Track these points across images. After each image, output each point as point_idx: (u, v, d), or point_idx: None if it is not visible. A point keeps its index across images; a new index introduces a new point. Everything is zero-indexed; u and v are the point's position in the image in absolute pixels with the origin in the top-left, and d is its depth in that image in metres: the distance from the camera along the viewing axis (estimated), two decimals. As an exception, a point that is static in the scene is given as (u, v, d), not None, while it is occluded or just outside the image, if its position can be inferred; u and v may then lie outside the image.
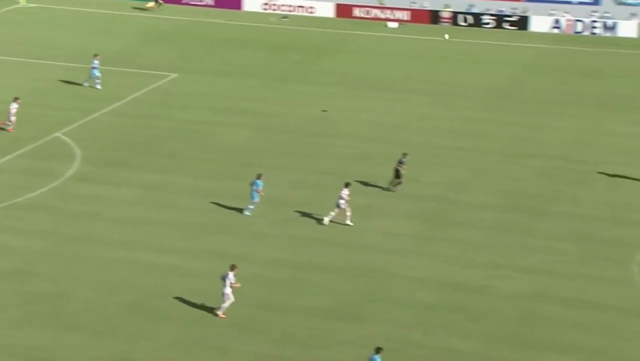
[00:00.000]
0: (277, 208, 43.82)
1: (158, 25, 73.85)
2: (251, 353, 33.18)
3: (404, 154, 45.48)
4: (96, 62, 57.55)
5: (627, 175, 46.65)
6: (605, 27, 69.23)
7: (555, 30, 70.26)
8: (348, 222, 41.84)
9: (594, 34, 69.42)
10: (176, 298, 36.33)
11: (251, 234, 41.38)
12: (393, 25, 73.14)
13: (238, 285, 34.86)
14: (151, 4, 76.67)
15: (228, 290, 34.67)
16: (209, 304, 35.71)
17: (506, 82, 60.70)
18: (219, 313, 34.98)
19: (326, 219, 41.89)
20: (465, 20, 72.15)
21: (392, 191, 44.81)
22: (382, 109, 56.40)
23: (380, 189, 45.54)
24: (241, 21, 75.34)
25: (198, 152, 49.86)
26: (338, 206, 41.86)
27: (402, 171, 45.01)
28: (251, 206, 42.87)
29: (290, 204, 44.21)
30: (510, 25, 71.25)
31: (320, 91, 59.21)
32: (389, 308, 35.79)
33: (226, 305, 34.87)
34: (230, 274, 34.70)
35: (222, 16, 76.26)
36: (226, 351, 33.22)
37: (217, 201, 44.25)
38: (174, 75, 62.10)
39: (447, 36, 66.71)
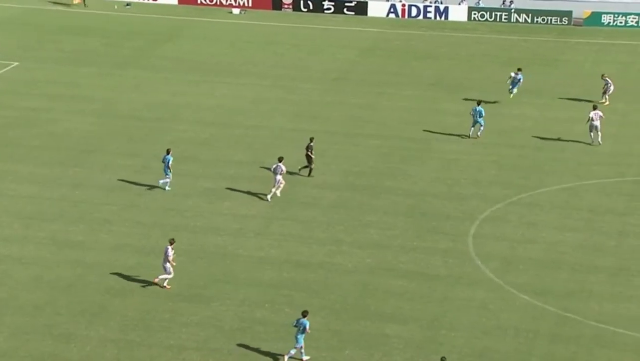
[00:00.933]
0: (119, 193, 43.96)
1: (-6, 14, 72.22)
2: (96, 338, 33.44)
3: (311, 139, 45.85)
4: None
5: (460, 152, 48.79)
6: (438, 12, 71.80)
7: (392, 15, 72.38)
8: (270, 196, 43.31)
9: (427, 18, 71.89)
10: (19, 286, 36.15)
11: (94, 220, 41.42)
12: (236, 11, 73.79)
13: (174, 264, 36.17)
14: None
15: (168, 265, 36.13)
16: (53, 292, 35.69)
17: (345, 65, 62.22)
18: (165, 285, 36.26)
19: (268, 197, 43.32)
20: (307, 6, 73.41)
21: (311, 176, 45.39)
22: (224, 93, 57.00)
23: (224, 173, 46.23)
24: (83, 9, 74.41)
25: (38, 140, 49.39)
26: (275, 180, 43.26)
27: (312, 156, 45.44)
28: (167, 180, 43.84)
29: (132, 189, 44.42)
30: (350, 11, 72.93)
31: (162, 77, 59.32)
32: (235, 288, 36.60)
33: (166, 276, 36.16)
34: (169, 249, 35.96)
35: (63, 3, 75.16)
36: (72, 339, 33.36)
37: (57, 189, 44.05)
38: (14, 63, 61.09)
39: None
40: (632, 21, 69.02)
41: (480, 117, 49.54)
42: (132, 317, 34.69)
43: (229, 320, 34.58)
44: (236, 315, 34.89)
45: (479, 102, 50.44)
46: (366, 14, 72.63)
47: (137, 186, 44.80)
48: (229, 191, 44.51)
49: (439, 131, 51.29)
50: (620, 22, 69.14)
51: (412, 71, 60.97)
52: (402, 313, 35.13)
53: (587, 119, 49.38)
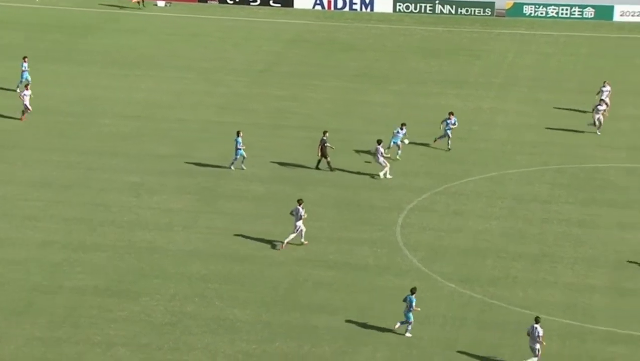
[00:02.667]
0: (44, 189, 43.40)
1: None
2: (23, 336, 33.00)
3: (325, 132, 45.48)
4: None
5: (386, 143, 49.08)
6: (363, 4, 72.16)
7: (318, 7, 72.53)
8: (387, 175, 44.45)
9: (353, 9, 72.21)
10: (-57, 287, 35.51)
11: (19, 217, 40.83)
12: (161, 4, 73.17)
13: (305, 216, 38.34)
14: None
15: (300, 222, 38.33)
16: (-22, 291, 35.15)
17: (270, 57, 62.20)
18: (303, 241, 38.57)
19: (381, 174, 44.24)
20: (232, -2, 73.14)
21: (332, 170, 45.12)
22: (148, 87, 56.54)
23: (150, 167, 45.91)
24: (2, 1, 73.04)
25: (-41, 138, 48.55)
26: (378, 161, 44.55)
27: (327, 150, 45.10)
28: (235, 160, 45.24)
29: (57, 185, 43.88)
30: (276, 3, 72.85)
31: (85, 71, 58.60)
32: (164, 283, 36.42)
33: (292, 236, 38.56)
34: (300, 208, 38.20)
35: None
36: (-1, 337, 32.91)
37: (-17, 187, 43.35)
38: None
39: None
40: (552, 12, 70.28)
41: (448, 128, 47.24)
42: (59, 314, 34.30)
43: (158, 315, 34.41)
44: (166, 310, 34.73)
45: (451, 113, 47.82)
46: (292, 5, 72.66)
47: (62, 182, 44.26)
48: (155, 185, 44.22)
49: (365, 122, 51.60)
50: (542, 13, 70.33)
51: (337, 63, 61.21)
52: (331, 303, 35.34)
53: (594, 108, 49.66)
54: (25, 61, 54.43)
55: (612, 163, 46.91)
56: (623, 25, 68.51)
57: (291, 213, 39.03)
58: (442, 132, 47.68)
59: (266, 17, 71.12)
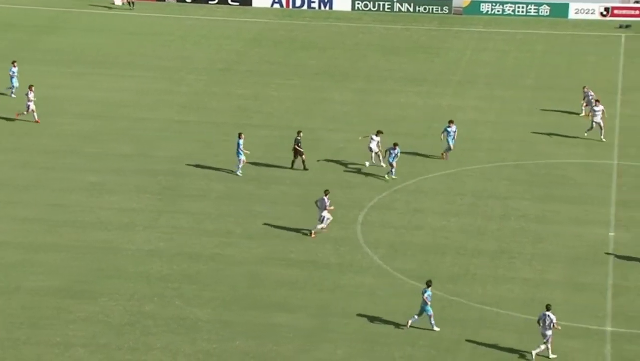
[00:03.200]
0: (1, 190, 43.09)
1: None
2: (-18, 338, 32.82)
3: (299, 132, 45.43)
4: None
5: (347, 140, 49.28)
6: (322, 2, 72.32)
7: (277, 6, 72.55)
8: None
9: (311, 8, 72.33)
10: None
11: (-23, 219, 40.57)
12: (118, 2, 72.82)
13: (332, 208, 39.35)
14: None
15: (325, 212, 39.20)
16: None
17: (231, 56, 62.13)
18: (315, 230, 39.58)
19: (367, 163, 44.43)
20: (191, -4, 72.96)
21: (307, 170, 45.13)
22: (108, 86, 56.26)
23: (110, 166, 45.72)
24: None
25: None
26: (372, 153, 45.42)
27: (301, 150, 44.99)
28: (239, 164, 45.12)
29: (14, 185, 43.59)
30: (234, 1, 72.76)
31: (43, 70, 58.17)
32: (122, 283, 36.31)
33: (323, 225, 39.50)
34: (325, 198, 39.14)
35: None
36: (-44, 340, 32.65)
37: (-60, 188, 42.94)
38: None
39: None
40: (508, 9, 70.81)
41: (451, 138, 46.29)
42: (16, 315, 34.10)
43: (117, 315, 34.32)
44: (125, 310, 34.65)
45: (451, 122, 46.87)
46: (251, 4, 72.61)
47: (20, 182, 43.95)
48: (115, 185, 44.07)
49: (325, 120, 51.75)
50: (498, 11, 70.84)
51: (298, 61, 61.29)
52: (293, 302, 35.44)
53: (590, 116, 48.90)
54: (14, 66, 53.59)
55: (569, 159, 47.43)
56: (578, 23, 69.23)
57: (316, 203, 39.64)
58: (445, 144, 46.30)
59: (225, 15, 71.01)
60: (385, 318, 34.48)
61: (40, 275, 36.63)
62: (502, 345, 33.02)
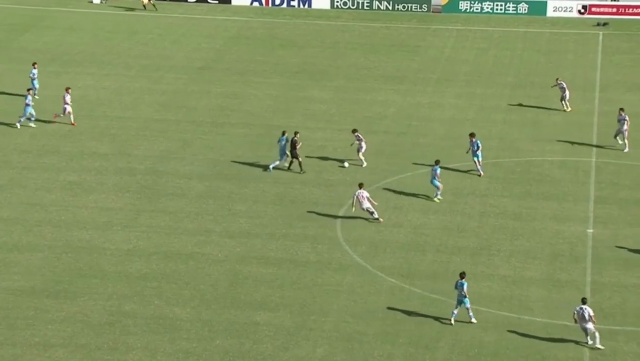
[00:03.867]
0: (-19, 190, 42.91)
1: None
2: (-40, 339, 32.62)
3: (295, 133, 45.14)
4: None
5: (327, 139, 49.30)
6: (301, 0, 72.28)
7: (256, 4, 72.46)
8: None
9: (291, 6, 72.29)
10: None
11: (-45, 219, 40.30)
12: (97, 0, 72.56)
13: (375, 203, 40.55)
14: (146, 1, 70.36)
15: (368, 204, 40.31)
16: None
17: (210, 54, 62.01)
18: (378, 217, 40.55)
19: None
20: (169, -6, 72.74)
21: (303, 172, 44.74)
22: (86, 84, 56.04)
23: (88, 165, 45.55)
24: None
25: None
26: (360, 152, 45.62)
27: (297, 150, 44.73)
28: (277, 163, 45.24)
29: (-5, 186, 43.41)
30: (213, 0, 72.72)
31: (21, 69, 57.81)
32: (101, 283, 36.19)
33: (376, 215, 40.51)
34: (362, 192, 40.40)
35: None
36: None
37: None
38: None
39: None
40: (487, 8, 71.01)
41: (477, 148, 44.86)
42: (-5, 316, 33.95)
43: (96, 315, 34.20)
44: (104, 309, 34.53)
45: (472, 135, 45.22)
46: (230, 2, 72.49)
47: (-1, 182, 43.77)
48: (94, 184, 43.90)
49: (305, 118, 51.74)
50: (477, 9, 71.04)
51: (277, 59, 61.23)
52: (273, 300, 35.42)
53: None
54: (34, 67, 53.11)
55: (547, 157, 47.63)
56: (556, 21, 69.52)
57: (352, 202, 40.45)
58: (474, 158, 44.85)
59: (204, 14, 70.85)
60: (364, 316, 34.52)
61: (18, 275, 36.45)
62: (481, 341, 33.12)
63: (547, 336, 33.50)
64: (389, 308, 34.95)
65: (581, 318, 32.63)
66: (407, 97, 55.18)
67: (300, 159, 45.22)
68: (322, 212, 41.65)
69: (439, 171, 42.62)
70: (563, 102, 52.87)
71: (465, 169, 45.99)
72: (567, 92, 52.75)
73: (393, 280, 36.73)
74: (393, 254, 38.58)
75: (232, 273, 37.16)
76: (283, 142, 45.03)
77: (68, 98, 49.70)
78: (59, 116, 49.87)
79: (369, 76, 58.27)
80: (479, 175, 44.93)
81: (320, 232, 40.11)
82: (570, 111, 52.51)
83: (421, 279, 36.73)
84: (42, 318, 33.92)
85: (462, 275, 34.06)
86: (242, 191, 43.54)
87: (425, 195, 43.31)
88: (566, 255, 38.73)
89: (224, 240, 39.41)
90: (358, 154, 46.12)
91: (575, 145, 48.82)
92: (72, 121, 49.87)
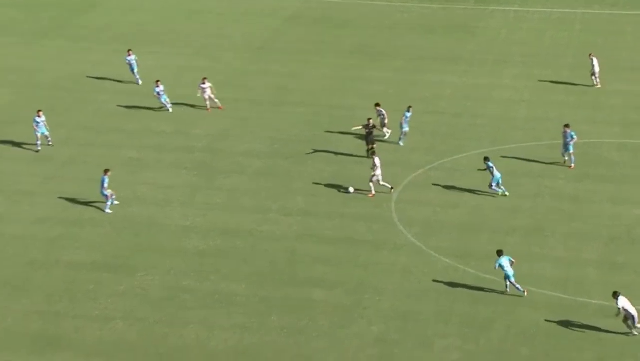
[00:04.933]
0: (42, 165, 43.76)
1: None
2: (19, 311, 33.49)
3: (368, 119, 44.91)
4: None
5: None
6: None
7: (315, -17, 72.54)
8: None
9: (350, -15, 72.28)
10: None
11: (15, 192, 41.22)
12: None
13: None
14: None
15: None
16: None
17: (268, 33, 62.35)
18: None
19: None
20: (228, -26, 73.01)
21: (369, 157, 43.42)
22: (147, 63, 56.63)
23: (148, 143, 46.21)
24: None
25: (-42, 114, 48.84)
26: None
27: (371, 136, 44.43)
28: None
29: (54, 161, 44.24)
30: (271, -22, 72.84)
31: (83, 47, 58.77)
32: (160, 258, 36.85)
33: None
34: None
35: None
36: (-4, 311, 33.36)
37: (-19, 163, 43.70)
38: None
39: None
40: (547, -12, 70.30)
41: (571, 139, 43.62)
42: (56, 288, 34.77)
43: (154, 289, 34.87)
44: (162, 284, 35.18)
45: (567, 125, 44.02)
46: (288, -18, 72.58)
47: (59, 158, 44.60)
48: (153, 161, 44.57)
49: (362, 98, 51.89)
50: (537, -11, 70.32)
51: (335, 39, 61.35)
52: (328, 278, 35.79)
53: None
54: (129, 54, 53.06)
55: (605, 139, 47.26)
56: (616, 2, 68.60)
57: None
58: (563, 150, 43.99)
59: (263, -7, 71.10)
60: (418, 295, 34.74)
61: (79, 249, 37.27)
62: (535, 323, 33.18)
63: (603, 318, 33.43)
64: (444, 288, 35.14)
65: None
66: (463, 78, 55.02)
67: (369, 145, 44.39)
68: (377, 192, 41.87)
69: (491, 164, 41.70)
70: (593, 77, 52.77)
71: (521, 150, 45.86)
72: (596, 68, 52.54)
73: (447, 260, 36.89)
74: (447, 235, 38.69)
75: (289, 250, 37.58)
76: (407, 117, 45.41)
77: (205, 85, 49.36)
78: (219, 108, 49.57)
79: (426, 56, 58.17)
80: (570, 167, 43.69)
81: (375, 211, 40.35)
82: (599, 87, 52.17)
83: (475, 260, 36.82)
84: (102, 291, 34.68)
85: (499, 252, 34.42)
86: (299, 169, 43.91)
87: (480, 176, 43.30)
88: (623, 238, 38.53)
89: (281, 218, 39.83)
90: (382, 129, 46.21)
91: (634, 127, 48.37)
92: (218, 105, 49.73)
